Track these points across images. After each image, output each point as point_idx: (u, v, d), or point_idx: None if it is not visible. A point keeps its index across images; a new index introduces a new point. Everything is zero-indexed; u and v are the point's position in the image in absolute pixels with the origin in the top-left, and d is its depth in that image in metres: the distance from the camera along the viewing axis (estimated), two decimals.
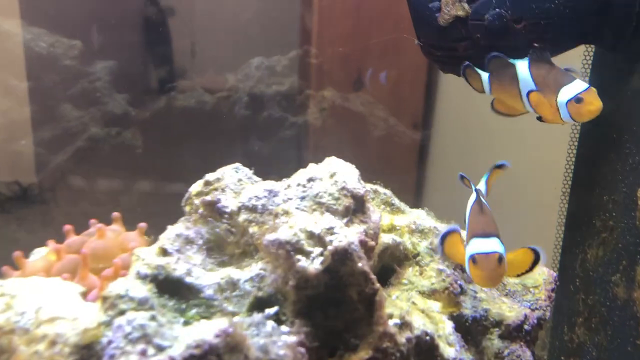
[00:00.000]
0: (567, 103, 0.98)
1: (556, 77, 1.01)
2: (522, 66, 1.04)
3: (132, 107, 2.11)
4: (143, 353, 0.61)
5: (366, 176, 1.02)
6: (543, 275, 0.99)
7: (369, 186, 1.05)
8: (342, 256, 0.71)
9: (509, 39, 1.11)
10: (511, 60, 1.06)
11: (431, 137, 2.21)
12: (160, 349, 0.62)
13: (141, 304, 0.67)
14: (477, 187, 1.01)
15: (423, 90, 2.18)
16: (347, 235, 0.72)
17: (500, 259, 0.81)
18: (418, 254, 0.91)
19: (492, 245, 0.82)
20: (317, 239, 0.73)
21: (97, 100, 2.06)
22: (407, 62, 2.16)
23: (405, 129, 2.16)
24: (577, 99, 0.97)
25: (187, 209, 0.87)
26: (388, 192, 1.04)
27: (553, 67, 1.02)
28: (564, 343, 1.37)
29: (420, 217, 0.97)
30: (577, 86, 0.98)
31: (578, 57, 1.40)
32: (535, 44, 1.12)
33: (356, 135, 2.14)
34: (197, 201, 0.84)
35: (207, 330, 0.62)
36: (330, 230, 0.73)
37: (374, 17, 2.15)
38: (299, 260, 0.71)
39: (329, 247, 0.71)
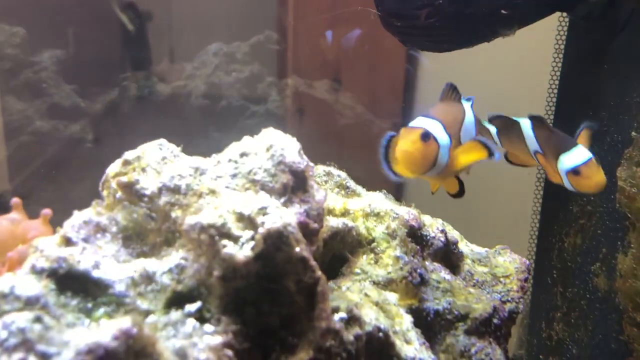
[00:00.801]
0: (566, 172, 0.91)
1: (557, 142, 0.95)
2: (525, 124, 0.99)
3: (82, 98, 1.97)
4: None
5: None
6: (515, 263, 0.89)
7: (321, 168, 0.95)
8: (277, 240, 0.60)
9: (475, 5, 1.01)
10: (514, 118, 1.02)
11: None
12: (44, 357, 0.50)
13: (29, 304, 0.56)
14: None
15: (401, 90, 2.08)
16: (283, 216, 0.61)
17: (426, 135, 0.86)
18: (373, 240, 0.80)
19: (425, 123, 0.89)
20: (248, 221, 0.61)
21: (43, 91, 1.92)
22: (385, 60, 2.06)
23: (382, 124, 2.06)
24: (575, 172, 0.90)
25: (104, 193, 0.75)
26: (343, 174, 0.94)
27: (553, 131, 0.97)
28: (542, 340, 1.28)
29: (377, 199, 0.87)
30: (577, 156, 0.91)
31: (552, 30, 1.32)
32: (504, 11, 1.03)
33: (325, 125, 2.03)
34: (114, 183, 0.72)
35: (105, 332, 0.51)
36: (263, 211, 0.62)
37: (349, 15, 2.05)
38: (225, 246, 0.60)
39: (260, 230, 0.60)
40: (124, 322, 0.52)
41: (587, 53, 1.17)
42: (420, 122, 0.90)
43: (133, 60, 2.05)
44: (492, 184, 1.70)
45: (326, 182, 0.93)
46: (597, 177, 0.88)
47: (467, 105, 1.00)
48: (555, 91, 1.30)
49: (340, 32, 2.02)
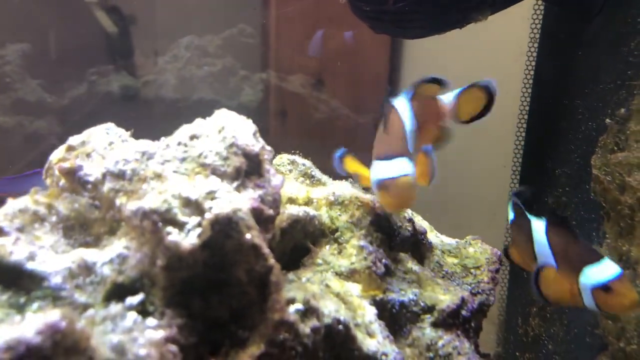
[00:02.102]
0: (592, 289, 0.76)
1: (580, 251, 0.78)
2: (538, 227, 0.83)
3: (49, 93, 1.90)
4: None
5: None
6: (486, 254, 0.86)
7: (285, 156, 0.91)
8: (225, 226, 0.56)
9: None
10: (528, 214, 0.85)
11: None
12: None
13: None
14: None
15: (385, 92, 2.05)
16: (233, 200, 0.57)
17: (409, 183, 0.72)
18: (337, 230, 0.76)
19: (399, 167, 0.73)
20: (195, 207, 0.57)
21: (7, 86, 1.85)
22: (368, 59, 2.02)
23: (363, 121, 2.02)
24: (606, 288, 0.75)
25: (48, 181, 0.70)
26: (307, 162, 0.90)
27: (575, 238, 0.80)
28: (519, 337, 1.25)
29: (342, 188, 0.83)
30: (607, 269, 0.76)
31: (527, 19, 1.29)
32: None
33: (300, 121, 1.99)
34: (57, 170, 0.67)
35: (28, 327, 0.46)
36: (211, 195, 0.57)
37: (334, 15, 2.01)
38: (169, 233, 0.55)
39: (208, 216, 0.56)
40: (51, 315, 0.47)
41: (561, 40, 1.15)
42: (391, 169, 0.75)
43: (102, 54, 1.99)
44: (466, 177, 1.68)
45: (290, 171, 0.89)
46: (632, 295, 0.74)
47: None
48: (531, 80, 1.27)
49: (323, 27, 1.99)
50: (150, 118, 1.87)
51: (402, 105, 0.84)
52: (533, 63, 1.25)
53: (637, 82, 0.84)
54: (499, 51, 1.49)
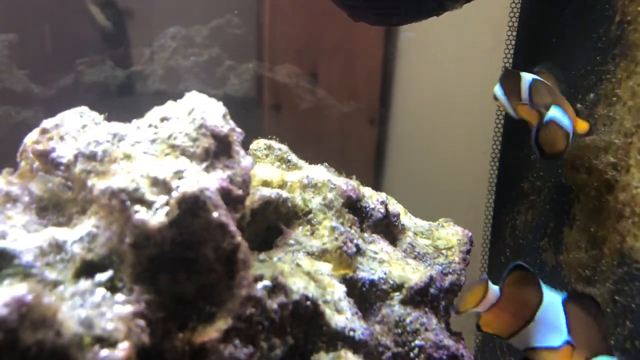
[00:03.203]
0: None
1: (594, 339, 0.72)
2: (554, 301, 0.76)
3: (36, 84, 1.91)
4: None
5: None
6: (457, 235, 0.88)
7: (262, 141, 0.92)
8: (192, 205, 0.57)
9: None
10: (543, 286, 0.79)
11: (388, 133, 2.09)
12: None
13: None
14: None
15: (379, 85, 2.05)
16: (200, 180, 0.59)
17: None
18: (310, 211, 0.78)
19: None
20: (162, 186, 0.58)
21: None
22: (362, 55, 2.03)
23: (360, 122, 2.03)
24: None
25: (22, 164, 0.71)
26: (284, 147, 0.91)
27: (596, 317, 0.73)
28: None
29: (316, 171, 0.84)
30: None
31: (505, 8, 1.30)
32: None
33: (294, 114, 2.00)
34: (31, 152, 0.68)
35: None
36: (179, 174, 0.59)
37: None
38: (137, 212, 0.57)
39: (175, 194, 0.57)
40: (18, 289, 0.49)
41: (537, 28, 1.16)
42: None
43: (91, 45, 1.99)
44: (447, 164, 1.70)
45: (267, 155, 0.90)
46: None
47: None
48: (511, 67, 1.29)
49: (318, 20, 1.99)
50: (137, 107, 1.88)
51: None
52: (512, 50, 1.27)
53: (605, 68, 0.85)
54: (478, 39, 1.51)
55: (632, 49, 0.80)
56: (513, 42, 1.29)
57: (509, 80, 0.99)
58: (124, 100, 1.96)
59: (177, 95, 1.93)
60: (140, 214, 0.57)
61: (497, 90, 1.01)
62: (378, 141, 2.10)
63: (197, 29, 2.01)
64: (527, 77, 0.95)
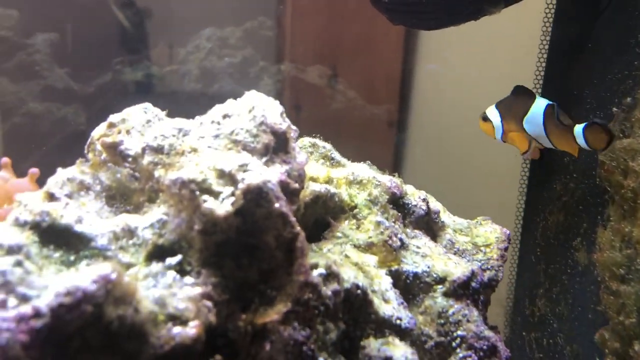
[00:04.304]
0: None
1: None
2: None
3: (75, 81, 1.98)
4: (2, 304, 0.50)
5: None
6: (495, 233, 0.91)
7: (307, 139, 0.96)
8: (256, 195, 0.61)
9: None
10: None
11: (407, 135, 2.12)
12: (24, 299, 0.51)
13: (11, 252, 0.57)
14: None
15: (398, 88, 2.08)
16: (263, 172, 0.63)
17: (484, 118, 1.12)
18: (355, 207, 0.82)
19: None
20: (228, 178, 0.63)
21: (36, 74, 1.92)
22: (381, 58, 2.06)
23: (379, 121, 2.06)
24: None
25: (90, 156, 0.76)
26: (328, 145, 0.95)
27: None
28: (526, 318, 1.30)
29: (361, 169, 0.88)
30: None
31: (540, 12, 1.33)
32: None
33: (314, 115, 2.04)
34: (99, 145, 0.73)
35: (84, 276, 0.52)
36: (244, 167, 0.63)
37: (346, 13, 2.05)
38: (205, 201, 0.61)
39: (240, 186, 0.61)
40: (104, 267, 0.53)
41: (572, 33, 1.19)
42: None
43: (127, 44, 2.05)
44: (481, 167, 1.72)
45: (312, 153, 0.94)
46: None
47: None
48: (543, 72, 1.31)
49: (338, 23, 2.03)
50: (173, 105, 1.93)
51: None
52: (545, 56, 1.30)
53: None
54: (511, 44, 1.54)
55: None
56: (547, 47, 1.31)
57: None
58: (160, 99, 2.02)
59: (212, 95, 2.00)
60: (209, 203, 0.61)
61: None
62: (397, 144, 2.13)
63: (231, 31, 2.07)
64: (542, 102, 1.05)
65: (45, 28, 2.00)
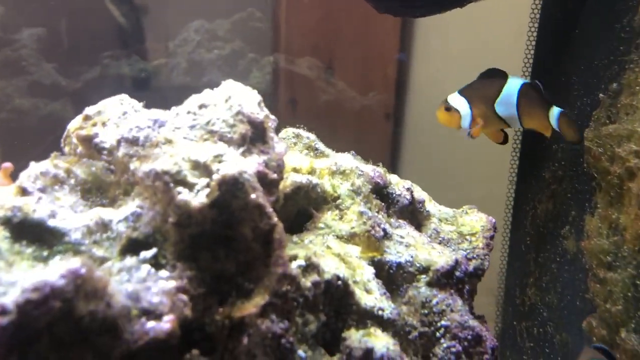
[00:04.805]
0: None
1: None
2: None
3: (63, 76, 1.96)
4: None
5: None
6: (481, 222, 0.90)
7: (290, 130, 0.95)
8: (232, 186, 0.60)
9: None
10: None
11: (404, 127, 2.11)
12: None
13: None
14: None
15: (395, 80, 2.07)
16: (239, 163, 0.62)
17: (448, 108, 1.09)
18: (338, 197, 0.81)
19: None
20: (203, 169, 0.61)
21: (23, 69, 1.90)
22: (378, 50, 2.04)
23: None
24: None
25: (66, 149, 0.75)
26: (312, 135, 0.94)
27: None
28: (517, 307, 1.29)
29: (344, 159, 0.87)
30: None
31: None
32: None
33: (310, 108, 2.02)
34: (74, 138, 0.72)
35: (52, 271, 0.51)
36: (219, 158, 0.62)
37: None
38: (179, 192, 0.60)
39: (215, 177, 0.60)
40: (73, 262, 0.52)
41: (560, 18, 1.17)
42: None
43: (115, 38, 2.03)
44: (469, 153, 1.71)
45: (295, 144, 0.93)
46: None
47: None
48: (531, 59, 1.30)
49: (334, 15, 2.01)
50: (161, 99, 1.92)
51: None
52: (533, 42, 1.28)
53: (628, 58, 0.87)
54: (500, 31, 1.52)
55: None
56: (535, 34, 1.30)
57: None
58: (148, 93, 2.00)
59: (201, 88, 1.97)
60: (183, 195, 0.60)
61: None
62: (394, 135, 2.12)
63: (219, 23, 2.05)
64: (516, 81, 1.05)
65: (32, 23, 1.98)
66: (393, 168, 2.03)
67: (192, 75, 1.95)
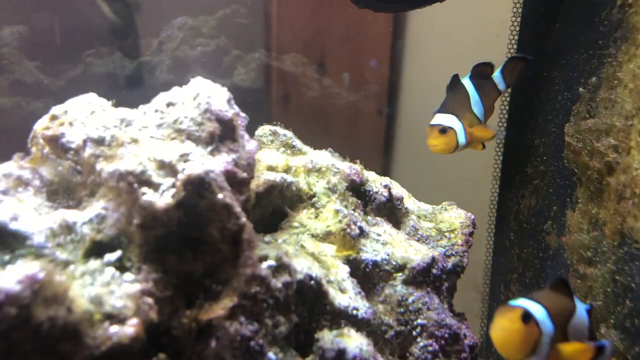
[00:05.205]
0: None
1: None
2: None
3: (45, 75, 1.93)
4: None
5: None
6: (460, 218, 0.89)
7: (267, 127, 0.93)
8: (198, 186, 0.59)
9: None
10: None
11: (396, 122, 2.10)
12: None
13: None
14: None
15: (387, 76, 2.05)
16: (205, 162, 0.60)
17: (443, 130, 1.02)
18: (314, 195, 0.79)
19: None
20: (169, 169, 0.60)
21: (4, 68, 1.88)
22: (370, 46, 2.03)
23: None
24: None
25: (33, 150, 0.73)
26: (289, 133, 0.92)
27: None
28: (501, 303, 1.28)
29: (321, 156, 0.85)
30: None
31: None
32: None
33: (303, 104, 2.01)
34: (41, 138, 0.70)
35: (8, 277, 0.49)
36: (184, 157, 0.60)
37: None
38: (144, 193, 0.58)
39: (180, 176, 0.59)
40: (31, 266, 0.51)
41: (541, 12, 1.16)
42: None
43: (99, 36, 2.01)
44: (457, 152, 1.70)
45: (272, 141, 0.92)
46: None
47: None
48: (514, 53, 1.29)
49: (326, 11, 1.99)
50: (145, 97, 1.90)
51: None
52: (517, 37, 1.27)
53: (607, 51, 0.86)
54: (483, 25, 1.51)
55: (633, 32, 0.80)
56: (517, 28, 1.29)
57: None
58: (132, 91, 1.98)
59: (185, 84, 1.92)
60: (148, 195, 0.58)
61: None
62: (386, 131, 2.10)
63: (204, 19, 2.03)
64: (465, 79, 1.11)
65: (13, 21, 1.95)
66: (385, 163, 2.03)
67: (176, 73, 1.93)
